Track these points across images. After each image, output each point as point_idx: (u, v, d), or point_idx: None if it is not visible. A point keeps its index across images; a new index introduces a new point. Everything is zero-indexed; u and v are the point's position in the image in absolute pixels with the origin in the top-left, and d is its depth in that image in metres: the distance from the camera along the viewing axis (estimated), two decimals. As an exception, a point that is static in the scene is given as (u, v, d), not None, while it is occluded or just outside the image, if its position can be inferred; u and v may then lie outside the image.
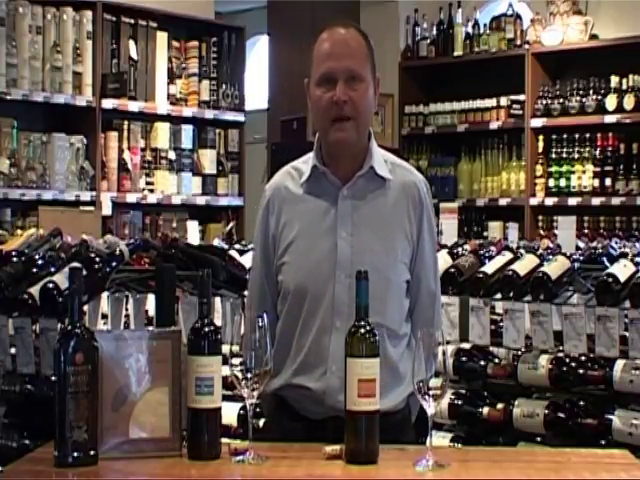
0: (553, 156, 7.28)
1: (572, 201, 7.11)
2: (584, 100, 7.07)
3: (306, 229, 2.66)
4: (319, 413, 2.61)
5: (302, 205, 2.68)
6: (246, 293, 3.33)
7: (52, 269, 3.26)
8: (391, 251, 2.65)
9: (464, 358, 3.51)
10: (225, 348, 2.37)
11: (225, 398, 2.45)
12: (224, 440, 2.38)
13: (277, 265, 2.69)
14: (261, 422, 3.19)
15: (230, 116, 6.92)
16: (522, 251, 3.57)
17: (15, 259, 3.34)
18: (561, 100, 7.21)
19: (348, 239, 2.62)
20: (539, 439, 3.30)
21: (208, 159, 6.83)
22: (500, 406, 3.36)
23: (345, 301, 2.58)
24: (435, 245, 2.81)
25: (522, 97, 7.39)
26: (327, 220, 2.65)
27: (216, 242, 4.26)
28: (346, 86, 2.60)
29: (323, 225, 2.65)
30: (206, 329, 2.33)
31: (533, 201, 7.33)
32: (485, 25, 7.74)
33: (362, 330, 2.30)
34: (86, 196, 6.07)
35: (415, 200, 2.70)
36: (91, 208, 5.94)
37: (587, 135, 7.12)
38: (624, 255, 3.35)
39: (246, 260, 3.67)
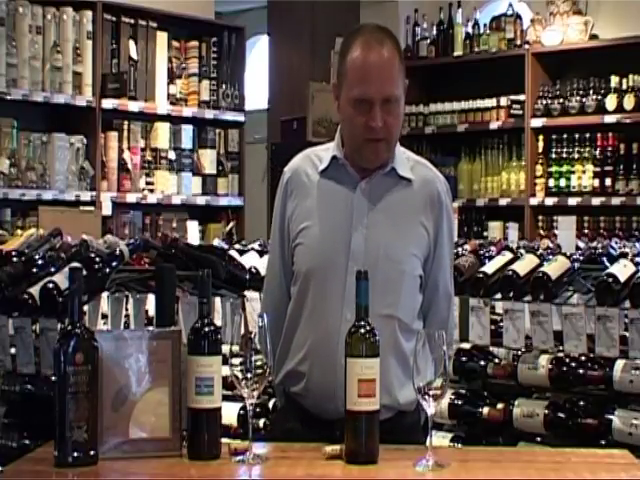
0: (553, 156, 7.28)
1: (572, 201, 7.10)
2: (584, 100, 7.07)
3: (321, 215, 2.65)
4: (329, 412, 2.56)
5: (319, 191, 2.68)
6: (246, 293, 3.35)
7: (52, 269, 3.25)
8: (406, 244, 2.64)
9: (464, 358, 3.51)
10: (225, 348, 2.37)
11: (225, 398, 2.44)
12: (224, 440, 2.38)
13: (292, 246, 2.70)
14: (261, 422, 3.20)
15: (230, 116, 6.91)
16: (522, 251, 3.56)
17: (15, 259, 3.34)
18: (561, 100, 7.20)
19: (363, 232, 2.62)
20: (539, 439, 3.29)
21: (208, 159, 6.83)
22: (500, 406, 3.36)
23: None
24: (452, 247, 2.81)
25: (522, 97, 7.38)
26: (343, 210, 2.64)
27: (216, 242, 4.25)
28: (382, 110, 2.56)
29: (338, 214, 2.64)
30: (206, 329, 2.33)
31: (533, 201, 7.32)
32: (485, 25, 7.73)
33: (362, 330, 2.29)
34: (86, 196, 6.07)
35: (434, 199, 2.69)
36: (91, 208, 5.93)
37: (587, 135, 7.12)
38: (624, 255, 3.35)
39: (246, 260, 3.67)
